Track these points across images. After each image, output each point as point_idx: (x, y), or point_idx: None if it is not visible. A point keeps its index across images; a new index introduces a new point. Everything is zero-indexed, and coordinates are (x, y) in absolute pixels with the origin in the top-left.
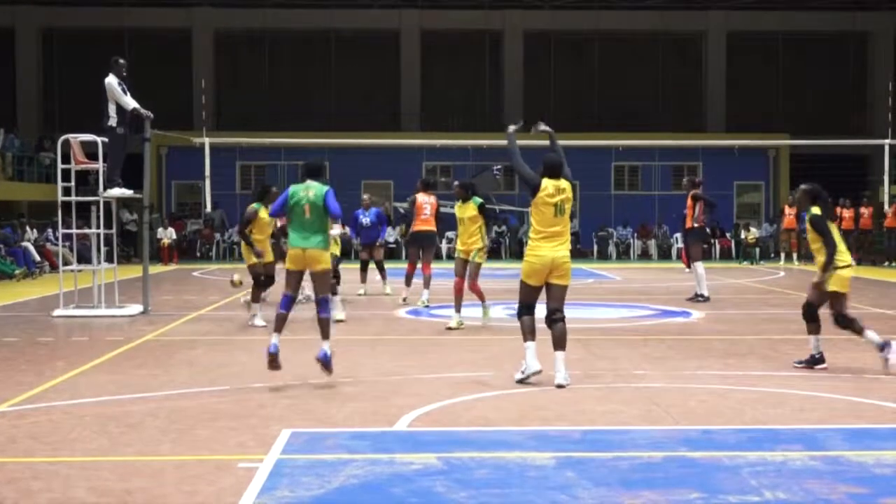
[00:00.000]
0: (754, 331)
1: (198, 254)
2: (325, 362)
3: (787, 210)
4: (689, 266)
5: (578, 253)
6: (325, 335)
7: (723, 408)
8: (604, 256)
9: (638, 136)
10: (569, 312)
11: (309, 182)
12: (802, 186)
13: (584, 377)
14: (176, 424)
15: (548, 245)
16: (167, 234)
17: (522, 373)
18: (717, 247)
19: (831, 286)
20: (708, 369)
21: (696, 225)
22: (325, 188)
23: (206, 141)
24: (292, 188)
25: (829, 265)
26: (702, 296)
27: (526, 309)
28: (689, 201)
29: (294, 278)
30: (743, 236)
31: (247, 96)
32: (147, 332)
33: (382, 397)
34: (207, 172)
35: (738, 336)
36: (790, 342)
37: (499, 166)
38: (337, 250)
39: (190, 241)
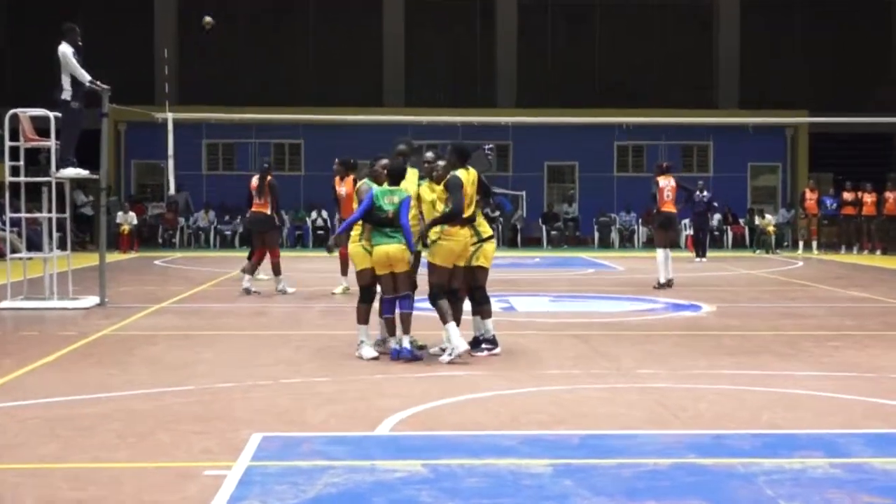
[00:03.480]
0: (769, 326)
1: (160, 241)
2: (411, 355)
3: (807, 194)
4: (697, 254)
5: (578, 241)
6: (407, 329)
7: (736, 410)
8: (605, 244)
9: (642, 112)
10: (567, 305)
11: (391, 187)
12: None
13: (584, 376)
14: (135, 428)
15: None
16: (126, 219)
17: (449, 355)
18: (730, 234)
19: (478, 260)
20: (719, 368)
21: (659, 210)
22: (406, 196)
23: (169, 116)
24: (376, 190)
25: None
26: (659, 283)
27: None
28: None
29: (387, 280)
30: (757, 223)
31: (214, 67)
32: (103, 327)
33: (363, 398)
34: (171, 151)
35: (751, 332)
36: (809, 338)
37: (490, 145)
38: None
39: (151, 227)
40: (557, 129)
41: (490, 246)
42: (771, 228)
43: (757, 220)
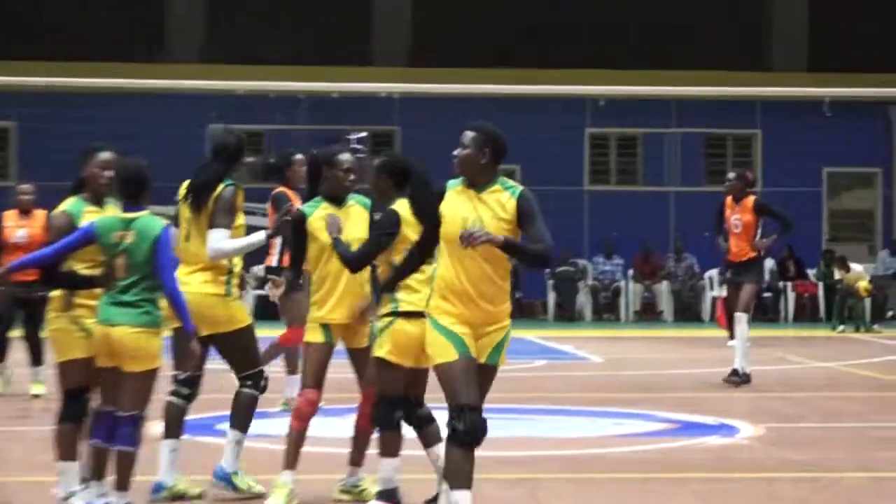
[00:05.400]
0: (861, 464)
1: None
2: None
3: None
4: (732, 333)
5: (520, 308)
6: (124, 484)
7: None
8: (568, 315)
9: (634, 77)
10: (500, 427)
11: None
12: None
13: None
14: None
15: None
16: None
17: None
18: (790, 296)
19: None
20: None
21: (755, 254)
22: (162, 229)
23: None
24: (98, 221)
25: None
26: (740, 373)
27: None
28: (740, 211)
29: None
30: (839, 276)
31: None
32: None
33: None
34: None
35: (830, 473)
36: None
37: (360, 134)
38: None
39: None
40: (480, 105)
41: (406, 326)
42: (864, 287)
43: (839, 273)
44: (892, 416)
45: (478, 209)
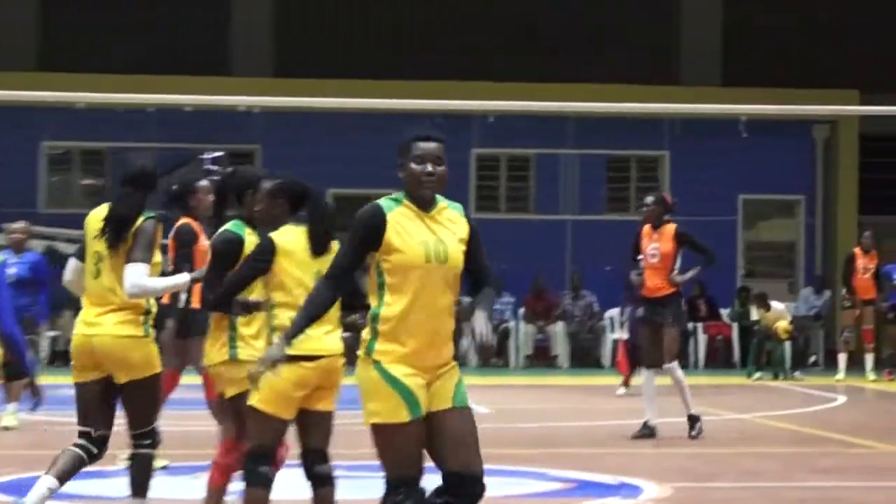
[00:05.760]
0: None
1: None
2: None
3: (858, 260)
4: (628, 379)
5: None
6: None
7: None
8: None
9: (531, 91)
10: (368, 487)
11: None
12: None
13: None
14: None
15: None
16: None
17: None
18: (701, 339)
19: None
20: None
21: (673, 289)
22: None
23: None
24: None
25: None
26: (644, 427)
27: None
28: (658, 239)
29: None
30: (756, 317)
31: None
32: None
33: None
34: None
35: None
36: None
37: (217, 153)
38: None
39: None
40: (352, 120)
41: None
42: (784, 328)
43: (756, 313)
44: (813, 474)
45: (436, 232)
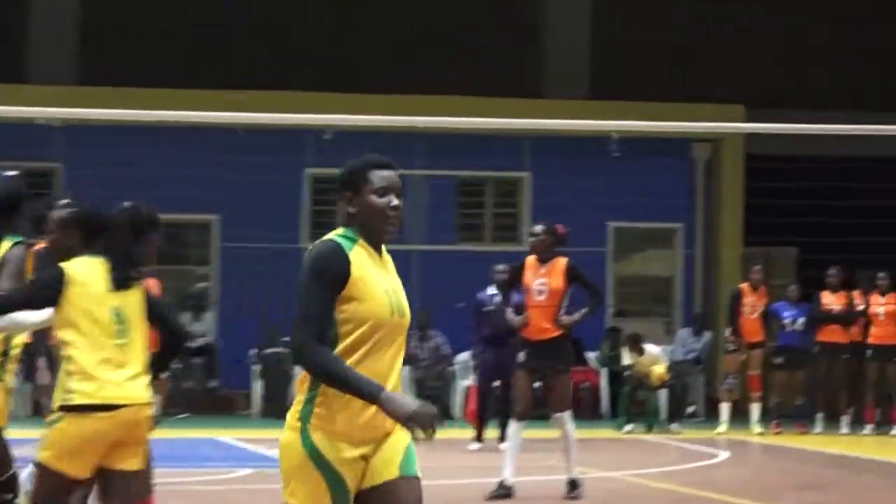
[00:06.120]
0: None
1: None
2: None
3: (745, 296)
4: (481, 433)
5: (213, 400)
6: None
7: None
8: (280, 410)
9: (374, 101)
10: None
11: None
12: None
13: None
14: None
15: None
16: None
17: None
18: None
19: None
20: None
21: (561, 331)
22: None
23: None
24: None
25: None
26: (500, 486)
27: None
28: (547, 274)
29: None
30: (629, 362)
31: None
32: None
33: None
34: None
35: None
36: None
37: (10, 172)
38: None
39: None
40: (169, 136)
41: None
42: (659, 375)
43: (629, 357)
44: None
45: (388, 278)
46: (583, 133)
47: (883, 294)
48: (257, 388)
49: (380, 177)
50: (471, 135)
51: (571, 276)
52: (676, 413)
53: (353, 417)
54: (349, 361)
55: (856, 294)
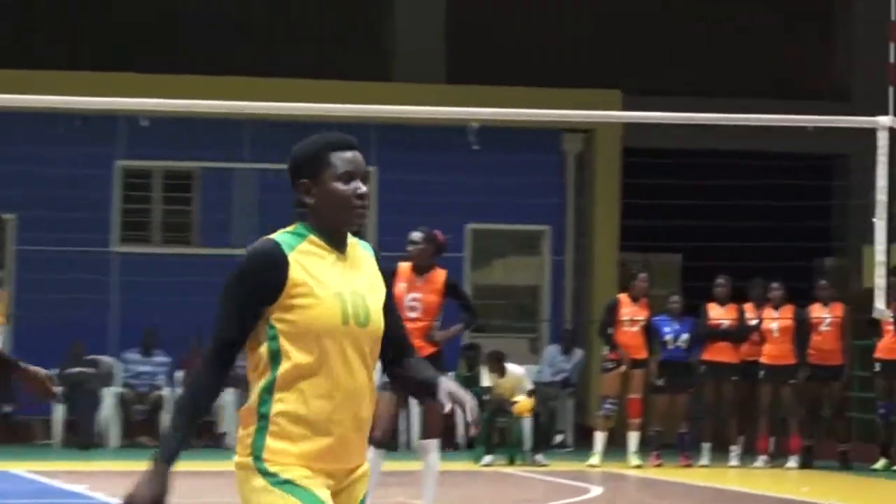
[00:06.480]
0: None
1: None
2: None
3: (622, 307)
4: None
5: (7, 429)
6: None
7: None
8: (85, 438)
9: (191, 83)
10: None
11: None
12: None
13: None
14: None
15: None
16: None
17: None
18: (414, 412)
19: None
20: None
21: (435, 349)
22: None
23: None
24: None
25: None
26: None
27: None
28: (423, 287)
29: None
30: (488, 384)
31: None
32: None
33: None
34: None
35: None
36: None
37: None
38: None
39: None
40: None
41: None
42: (522, 406)
43: (488, 379)
44: None
45: (352, 281)
46: (437, 122)
47: (776, 307)
48: (59, 413)
49: (343, 160)
50: (309, 123)
51: (449, 290)
52: (542, 442)
53: (307, 449)
54: (297, 385)
55: (747, 307)
